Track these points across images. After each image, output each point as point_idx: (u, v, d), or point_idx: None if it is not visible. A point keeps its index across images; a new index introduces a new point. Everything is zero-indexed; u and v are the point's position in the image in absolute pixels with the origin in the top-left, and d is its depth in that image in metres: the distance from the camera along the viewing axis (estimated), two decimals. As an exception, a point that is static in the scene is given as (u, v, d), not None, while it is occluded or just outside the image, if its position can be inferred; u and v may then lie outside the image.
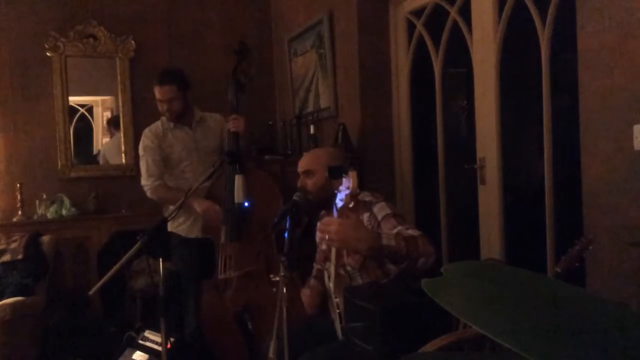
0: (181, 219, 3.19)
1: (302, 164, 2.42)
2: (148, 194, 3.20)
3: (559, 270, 1.79)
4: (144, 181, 3.19)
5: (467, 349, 1.76)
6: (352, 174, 1.91)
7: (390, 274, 2.16)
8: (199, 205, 3.00)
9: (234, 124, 3.03)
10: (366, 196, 2.30)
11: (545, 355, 0.58)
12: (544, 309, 0.68)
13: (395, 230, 2.06)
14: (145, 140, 3.22)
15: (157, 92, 3.16)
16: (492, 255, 2.88)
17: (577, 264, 1.81)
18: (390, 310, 1.82)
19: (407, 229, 2.07)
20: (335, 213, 2.06)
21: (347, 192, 1.90)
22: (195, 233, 3.21)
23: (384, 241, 1.89)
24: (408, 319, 1.82)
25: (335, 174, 2.03)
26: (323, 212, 2.45)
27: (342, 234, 1.87)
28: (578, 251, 1.80)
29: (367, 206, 2.24)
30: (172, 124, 3.24)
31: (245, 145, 3.13)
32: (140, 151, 3.24)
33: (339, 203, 1.94)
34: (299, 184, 2.38)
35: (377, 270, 2.18)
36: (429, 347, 1.71)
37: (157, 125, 3.26)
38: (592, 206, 2.21)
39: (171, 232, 3.19)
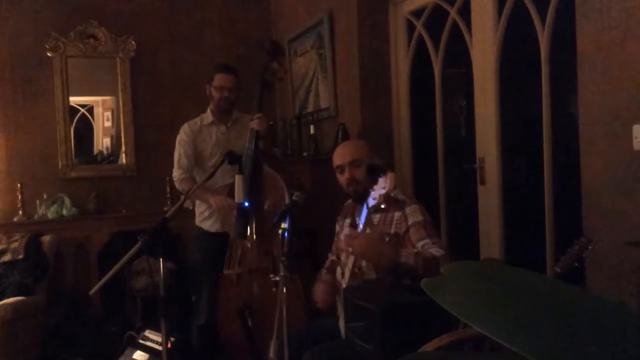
0: (206, 214, 3.35)
1: (348, 154, 2.34)
2: (176, 185, 3.34)
3: (558, 270, 1.79)
4: (174, 172, 3.32)
5: (467, 348, 1.76)
6: (390, 175, 1.92)
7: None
8: (213, 201, 3.11)
9: (257, 122, 3.09)
10: (399, 194, 2.29)
11: (545, 355, 0.58)
12: (544, 309, 0.68)
13: (421, 243, 2.10)
14: (181, 134, 3.35)
15: (222, 79, 3.28)
16: (492, 255, 2.88)
17: (576, 264, 1.81)
18: (390, 310, 1.82)
19: (434, 243, 2.09)
20: (365, 210, 2.06)
21: (382, 192, 1.91)
22: (216, 228, 3.32)
23: (403, 259, 1.96)
24: (408, 319, 1.82)
25: (375, 172, 2.02)
26: (348, 202, 2.43)
27: (365, 249, 1.98)
28: (577, 251, 1.80)
29: (400, 205, 2.24)
30: (210, 120, 3.36)
31: (267, 145, 3.24)
32: (176, 143, 3.37)
33: (371, 202, 1.95)
34: (346, 175, 2.30)
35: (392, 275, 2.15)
36: (429, 347, 1.71)
37: (195, 121, 3.40)
38: (591, 206, 2.21)
39: (197, 226, 3.41)
